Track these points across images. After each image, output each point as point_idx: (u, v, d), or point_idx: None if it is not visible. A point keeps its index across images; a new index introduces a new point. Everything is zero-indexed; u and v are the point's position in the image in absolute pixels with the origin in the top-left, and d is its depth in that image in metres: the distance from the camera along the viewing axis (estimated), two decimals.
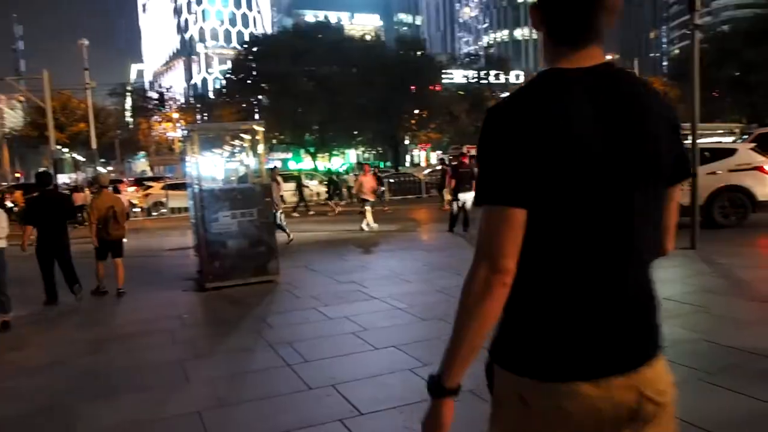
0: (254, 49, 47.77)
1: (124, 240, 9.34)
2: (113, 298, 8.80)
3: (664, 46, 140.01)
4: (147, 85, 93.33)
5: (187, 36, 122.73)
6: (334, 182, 26.41)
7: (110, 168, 80.00)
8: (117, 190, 17.21)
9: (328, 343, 5.84)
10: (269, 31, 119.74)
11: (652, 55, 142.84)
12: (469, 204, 14.60)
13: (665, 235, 1.56)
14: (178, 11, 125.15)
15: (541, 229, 1.34)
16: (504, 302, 1.35)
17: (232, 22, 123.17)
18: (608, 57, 1.46)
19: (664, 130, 1.43)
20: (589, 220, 1.35)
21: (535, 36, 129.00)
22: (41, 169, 12.74)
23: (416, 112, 48.89)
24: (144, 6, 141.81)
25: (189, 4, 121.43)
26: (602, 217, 1.35)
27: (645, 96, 1.43)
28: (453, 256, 10.98)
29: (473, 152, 35.32)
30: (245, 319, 7.18)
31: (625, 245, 1.38)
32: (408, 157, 74.86)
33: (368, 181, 16.14)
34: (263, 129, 9.92)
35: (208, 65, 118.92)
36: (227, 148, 13.71)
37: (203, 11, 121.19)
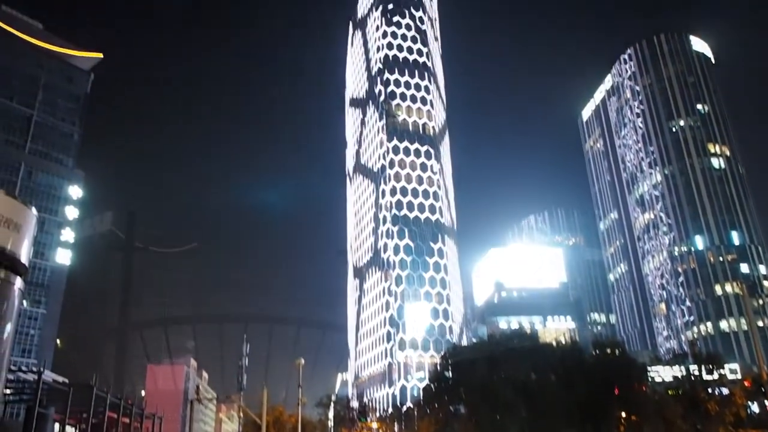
0: (450, 359, 49.67)
1: None
2: None
3: None
4: (349, 395, 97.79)
5: (389, 347, 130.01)
6: None
7: None
8: None
9: None
10: (464, 337, 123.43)
11: None
12: None
13: None
14: (381, 323, 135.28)
15: None
16: None
17: (430, 332, 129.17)
18: None
19: None
20: None
21: (744, 327, 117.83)
22: None
23: (623, 415, 45.42)
24: (358, 310, 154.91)
25: (391, 317, 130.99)
26: None
27: None
28: None
29: None
30: None
31: None
32: None
33: None
34: None
35: (407, 372, 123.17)
36: None
37: (402, 323, 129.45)
